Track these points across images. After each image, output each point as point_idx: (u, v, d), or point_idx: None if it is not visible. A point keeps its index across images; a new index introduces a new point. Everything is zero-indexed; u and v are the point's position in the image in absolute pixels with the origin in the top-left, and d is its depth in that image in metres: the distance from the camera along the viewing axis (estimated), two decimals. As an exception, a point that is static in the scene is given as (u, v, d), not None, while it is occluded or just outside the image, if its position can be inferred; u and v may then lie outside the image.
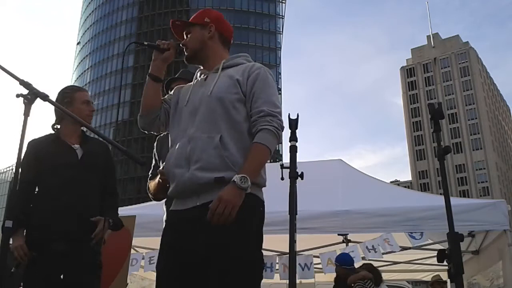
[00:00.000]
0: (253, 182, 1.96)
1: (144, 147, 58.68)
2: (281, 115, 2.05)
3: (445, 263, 2.21)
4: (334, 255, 5.78)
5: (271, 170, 2.05)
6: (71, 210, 2.64)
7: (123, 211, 3.02)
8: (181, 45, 2.25)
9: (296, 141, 2.04)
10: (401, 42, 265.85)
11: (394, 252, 5.48)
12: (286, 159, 1.99)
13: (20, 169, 1.83)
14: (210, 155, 1.95)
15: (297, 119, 2.07)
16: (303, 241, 5.36)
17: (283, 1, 76.10)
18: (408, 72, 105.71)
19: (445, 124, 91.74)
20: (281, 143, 2.09)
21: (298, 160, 2.01)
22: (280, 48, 73.13)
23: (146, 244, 5.58)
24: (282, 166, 2.13)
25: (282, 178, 2.17)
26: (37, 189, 2.75)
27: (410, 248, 5.85)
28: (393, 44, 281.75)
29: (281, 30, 74.40)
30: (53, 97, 2.04)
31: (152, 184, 2.53)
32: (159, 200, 2.55)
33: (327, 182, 5.42)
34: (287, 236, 2.04)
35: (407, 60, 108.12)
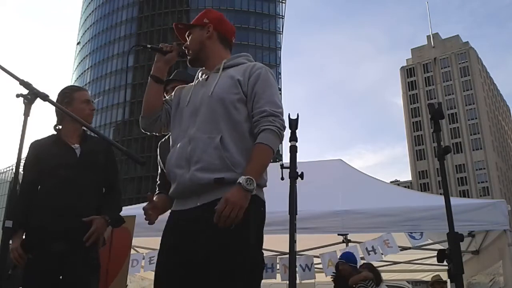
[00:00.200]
0: (256, 183, 1.96)
1: (144, 147, 58.71)
2: (283, 115, 2.05)
3: (445, 263, 2.21)
4: (335, 256, 5.79)
5: (271, 170, 2.05)
6: (70, 210, 2.64)
7: (123, 211, 3.01)
8: (184, 47, 2.26)
9: (296, 141, 2.04)
10: (401, 42, 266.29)
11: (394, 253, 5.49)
12: (286, 159, 1.99)
13: (20, 170, 1.83)
14: (210, 156, 1.95)
15: (297, 119, 2.07)
16: (303, 241, 5.36)
17: (283, 1, 76.11)
18: (408, 72, 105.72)
19: (445, 124, 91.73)
20: (281, 143, 2.10)
21: (298, 160, 2.01)
22: (280, 48, 73.18)
23: (146, 244, 5.58)
24: (282, 166, 2.13)
25: (282, 178, 2.17)
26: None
27: (410, 248, 5.85)
28: (393, 44, 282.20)
29: (281, 30, 74.47)
30: (53, 97, 2.04)
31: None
32: None
33: (327, 182, 5.42)
34: (287, 236, 2.04)
35: (407, 60, 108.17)
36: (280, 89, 67.33)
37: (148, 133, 2.31)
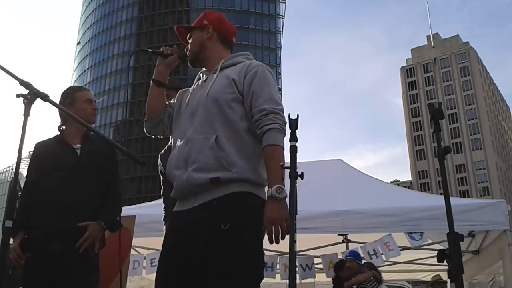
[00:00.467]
0: (254, 182, 1.97)
1: (144, 147, 58.74)
2: (283, 111, 2.05)
3: (445, 263, 2.21)
4: (335, 257, 5.81)
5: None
6: (69, 211, 2.63)
7: (123, 211, 3.00)
8: (185, 49, 2.29)
9: (296, 141, 2.03)
10: (401, 42, 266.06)
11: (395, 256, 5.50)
12: (286, 159, 1.99)
13: (20, 170, 1.83)
14: (206, 156, 1.96)
15: (297, 119, 2.07)
16: (303, 241, 5.36)
17: (283, 1, 76.12)
18: (408, 72, 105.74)
19: (445, 124, 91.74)
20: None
21: (298, 160, 2.00)
22: (280, 48, 73.18)
23: (147, 244, 5.59)
24: (282, 166, 2.13)
25: (282, 178, 2.17)
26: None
27: (410, 248, 5.86)
28: (393, 44, 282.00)
29: (281, 30, 74.47)
30: (54, 97, 2.04)
31: None
32: None
33: (327, 182, 5.43)
34: (287, 236, 2.04)
35: (407, 60, 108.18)
36: (280, 89, 67.32)
37: (153, 136, 2.34)
